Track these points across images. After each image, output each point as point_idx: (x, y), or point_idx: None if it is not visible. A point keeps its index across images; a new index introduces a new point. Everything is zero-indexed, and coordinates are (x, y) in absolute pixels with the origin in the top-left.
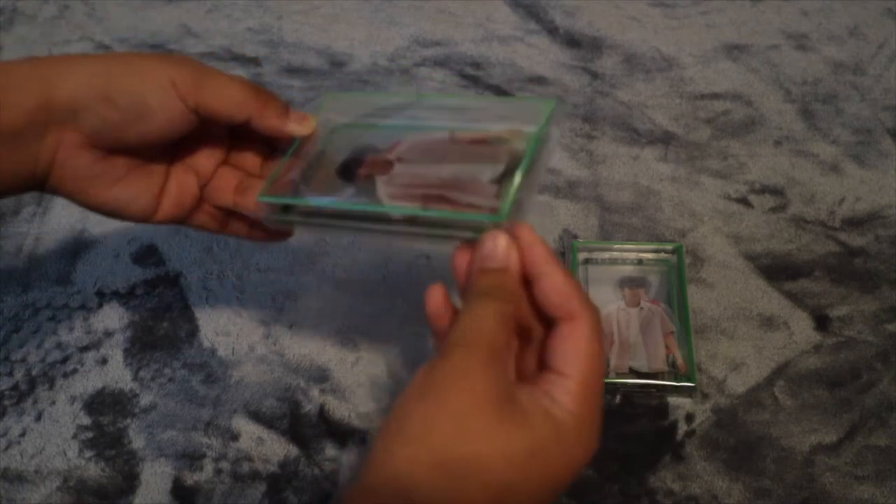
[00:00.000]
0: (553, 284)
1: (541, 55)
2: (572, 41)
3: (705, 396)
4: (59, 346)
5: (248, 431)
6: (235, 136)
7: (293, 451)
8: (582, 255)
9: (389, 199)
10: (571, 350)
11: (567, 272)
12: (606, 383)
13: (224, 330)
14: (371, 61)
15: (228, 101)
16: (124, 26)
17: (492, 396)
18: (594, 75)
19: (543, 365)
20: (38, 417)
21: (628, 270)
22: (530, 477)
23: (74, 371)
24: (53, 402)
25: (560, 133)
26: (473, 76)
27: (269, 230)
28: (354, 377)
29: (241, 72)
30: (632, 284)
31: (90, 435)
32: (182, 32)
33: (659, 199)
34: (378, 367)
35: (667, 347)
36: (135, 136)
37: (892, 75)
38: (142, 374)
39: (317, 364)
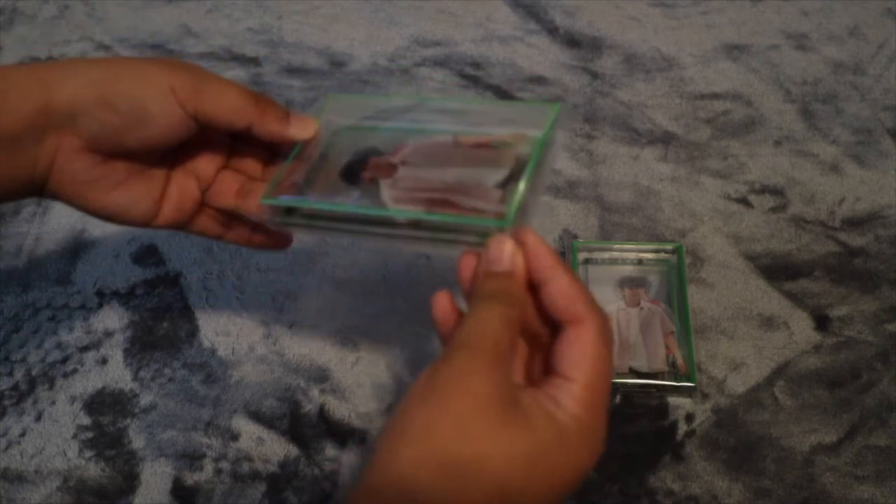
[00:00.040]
0: (559, 288)
1: (541, 55)
2: (572, 41)
3: (705, 396)
4: (59, 346)
5: (248, 431)
6: (237, 140)
7: (293, 451)
8: (582, 255)
9: (393, 202)
10: (577, 354)
11: (573, 276)
12: None
13: (224, 330)
14: (371, 61)
15: (227, 107)
16: (124, 26)
17: (494, 399)
18: (594, 75)
19: (549, 369)
20: (38, 417)
21: (628, 270)
22: (533, 479)
23: (74, 371)
24: (53, 402)
25: (564, 136)
26: (473, 76)
27: (269, 237)
28: (354, 377)
29: (241, 72)
30: (632, 284)
31: (90, 435)
32: (182, 32)
33: (659, 199)
34: (378, 367)
35: (667, 347)
36: (134, 141)
37: (892, 75)
38: (142, 374)
39: (317, 364)
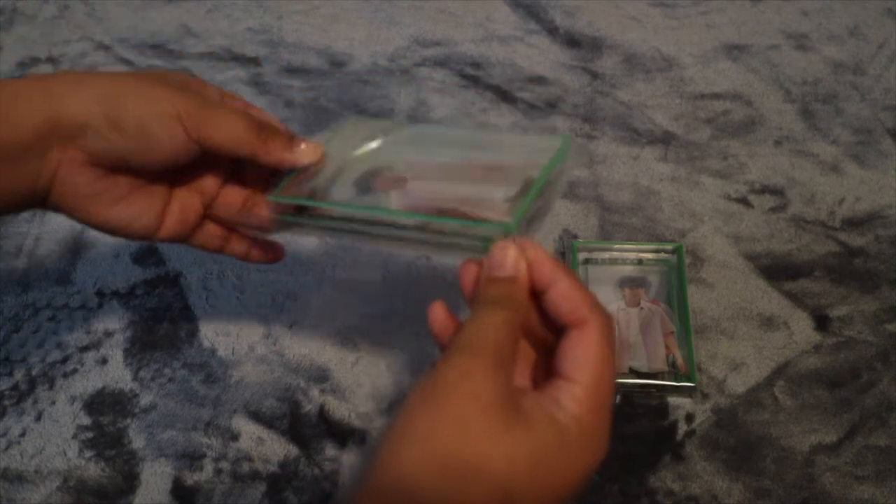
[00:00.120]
0: (561, 291)
1: (541, 55)
2: (572, 41)
3: (705, 396)
4: (59, 346)
5: (248, 431)
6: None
7: (293, 451)
8: (582, 255)
9: (403, 210)
10: (580, 356)
11: (576, 280)
12: None
13: (224, 330)
14: (371, 61)
15: (231, 136)
16: (124, 26)
17: (495, 401)
18: (594, 75)
19: (552, 371)
20: (38, 417)
21: (628, 270)
22: (534, 482)
23: (74, 371)
24: (53, 402)
25: (573, 168)
26: (473, 76)
27: (266, 251)
28: (354, 377)
29: (241, 72)
30: (632, 284)
31: (90, 435)
32: (182, 32)
33: (659, 199)
34: (378, 367)
35: (667, 347)
36: (138, 160)
37: (892, 75)
38: (142, 374)
39: (317, 364)
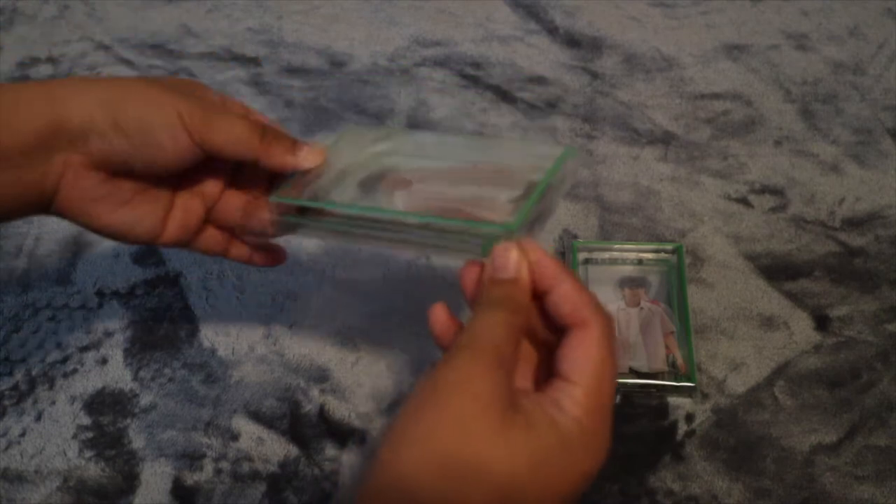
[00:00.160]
0: (563, 293)
1: (541, 55)
2: (572, 41)
3: (705, 396)
4: (59, 346)
5: (248, 431)
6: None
7: (293, 451)
8: (582, 255)
9: (406, 210)
10: (581, 357)
11: (578, 281)
12: None
13: (224, 330)
14: (371, 61)
15: (234, 140)
16: (124, 26)
17: (495, 401)
18: (594, 75)
19: (553, 372)
20: (38, 417)
21: (628, 270)
22: (535, 483)
23: (74, 371)
24: (53, 402)
25: (575, 178)
26: (473, 76)
27: (268, 255)
28: (354, 377)
29: (241, 72)
30: (632, 284)
31: (90, 435)
32: (182, 32)
33: (659, 199)
34: (378, 367)
35: (667, 347)
36: (141, 164)
37: (892, 75)
38: (142, 374)
39: (317, 364)
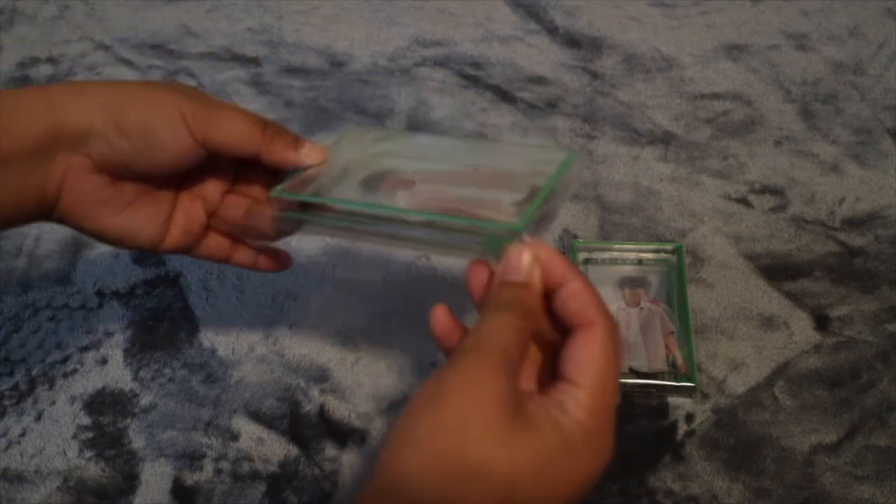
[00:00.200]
0: (573, 290)
1: (541, 55)
2: (572, 41)
3: (705, 396)
4: (59, 346)
5: (248, 431)
6: (242, 164)
7: (293, 451)
8: (582, 255)
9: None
10: (585, 359)
11: (587, 280)
12: None
13: (224, 330)
14: (371, 61)
15: (235, 135)
16: (124, 26)
17: (501, 405)
18: (594, 75)
19: (557, 373)
20: (38, 417)
21: (628, 270)
22: (538, 485)
23: (74, 371)
24: (53, 402)
25: (578, 183)
26: (473, 76)
27: (273, 259)
28: (354, 377)
29: (241, 72)
30: (632, 284)
31: (90, 435)
32: (182, 32)
33: (659, 199)
34: (378, 367)
35: (667, 347)
36: (144, 165)
37: (892, 75)
38: (142, 374)
39: (317, 364)
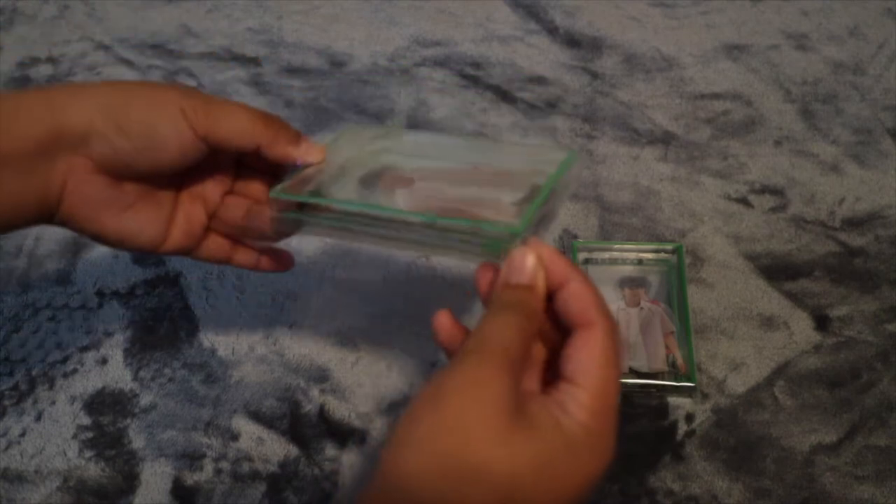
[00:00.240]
0: (574, 290)
1: (541, 55)
2: (572, 41)
3: (705, 396)
4: (59, 346)
5: (248, 431)
6: (241, 165)
7: (293, 451)
8: (582, 255)
9: (408, 209)
10: (585, 359)
11: (588, 280)
12: None
13: (224, 330)
14: (371, 61)
15: (237, 129)
16: (124, 26)
17: (501, 405)
18: (594, 75)
19: (558, 373)
20: (38, 417)
21: (628, 270)
22: (539, 485)
23: (74, 371)
24: (53, 402)
25: (577, 183)
26: (473, 76)
27: (275, 260)
28: (354, 377)
29: (241, 72)
30: (632, 284)
31: (90, 435)
32: (182, 32)
33: (659, 199)
34: (378, 367)
35: (667, 347)
36: (146, 163)
37: (892, 75)
38: (142, 374)
39: (317, 364)
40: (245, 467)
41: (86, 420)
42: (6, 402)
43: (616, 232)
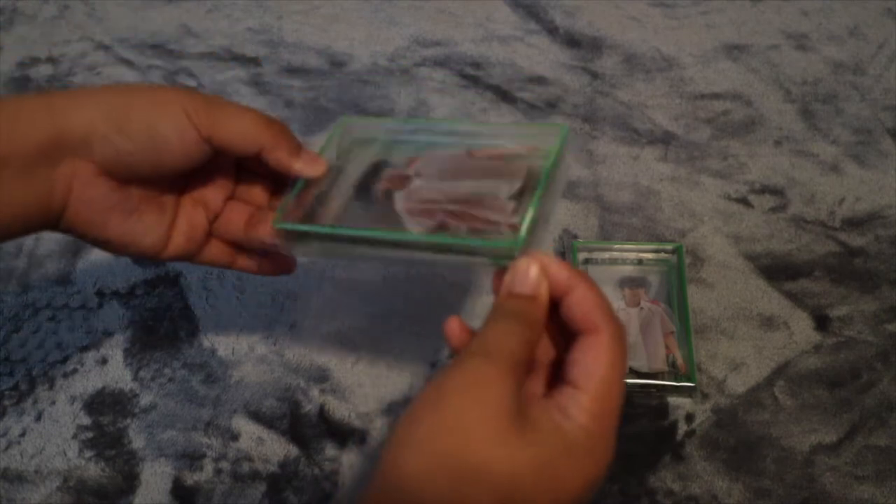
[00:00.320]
0: (580, 296)
1: (541, 55)
2: (572, 41)
3: (705, 396)
4: (59, 346)
5: (248, 431)
6: (243, 170)
7: (293, 451)
8: (582, 255)
9: (408, 213)
10: (589, 364)
11: (593, 285)
12: None
13: (224, 330)
14: (371, 61)
15: (241, 131)
16: (124, 26)
17: (503, 408)
18: (594, 75)
19: (562, 378)
20: (38, 417)
21: (628, 270)
22: (538, 487)
23: (74, 371)
24: (53, 402)
25: (571, 157)
26: (473, 76)
27: (277, 264)
28: (354, 377)
29: (241, 72)
30: (632, 284)
31: (90, 435)
32: (182, 32)
33: (659, 199)
34: (378, 367)
35: (667, 347)
36: (149, 166)
37: (892, 75)
38: (142, 374)
39: (317, 364)
40: (245, 467)
41: (86, 420)
42: (6, 402)
43: (616, 232)
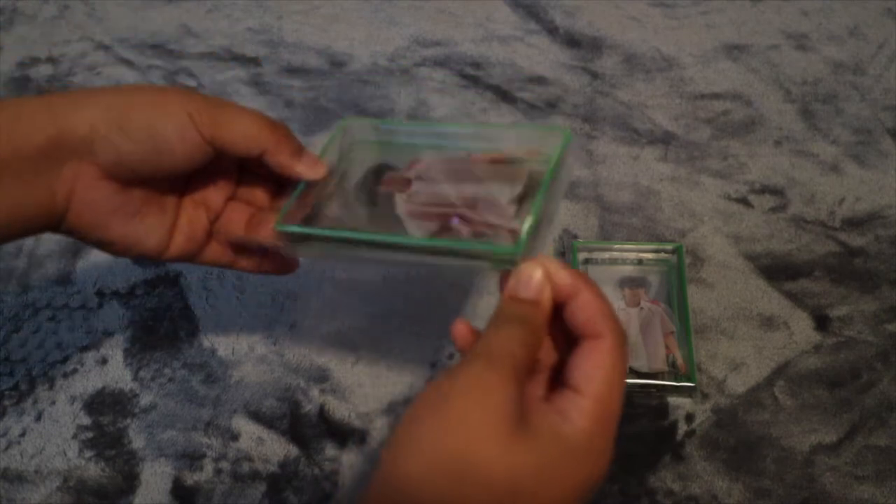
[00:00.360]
0: (584, 302)
1: (541, 55)
2: (572, 41)
3: (705, 396)
4: (59, 346)
5: (248, 431)
6: (244, 171)
7: (293, 451)
8: (582, 255)
9: (409, 216)
10: (591, 368)
11: (597, 291)
12: None
13: (224, 330)
14: (371, 61)
15: (244, 132)
16: (124, 26)
17: (505, 413)
18: (594, 75)
19: (563, 382)
20: (38, 417)
21: (628, 270)
22: (538, 489)
23: (74, 371)
24: (53, 402)
25: (574, 162)
26: (473, 76)
27: (279, 263)
28: (354, 377)
29: (241, 72)
30: (632, 284)
31: (90, 435)
32: (182, 32)
33: (659, 199)
34: (378, 367)
35: (667, 347)
36: (151, 167)
37: (892, 75)
38: (142, 374)
39: (317, 364)
40: (245, 467)
41: (86, 420)
42: (6, 402)
43: (616, 232)
